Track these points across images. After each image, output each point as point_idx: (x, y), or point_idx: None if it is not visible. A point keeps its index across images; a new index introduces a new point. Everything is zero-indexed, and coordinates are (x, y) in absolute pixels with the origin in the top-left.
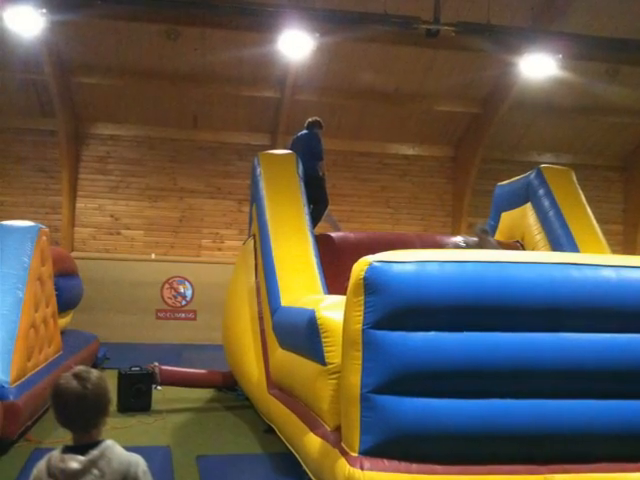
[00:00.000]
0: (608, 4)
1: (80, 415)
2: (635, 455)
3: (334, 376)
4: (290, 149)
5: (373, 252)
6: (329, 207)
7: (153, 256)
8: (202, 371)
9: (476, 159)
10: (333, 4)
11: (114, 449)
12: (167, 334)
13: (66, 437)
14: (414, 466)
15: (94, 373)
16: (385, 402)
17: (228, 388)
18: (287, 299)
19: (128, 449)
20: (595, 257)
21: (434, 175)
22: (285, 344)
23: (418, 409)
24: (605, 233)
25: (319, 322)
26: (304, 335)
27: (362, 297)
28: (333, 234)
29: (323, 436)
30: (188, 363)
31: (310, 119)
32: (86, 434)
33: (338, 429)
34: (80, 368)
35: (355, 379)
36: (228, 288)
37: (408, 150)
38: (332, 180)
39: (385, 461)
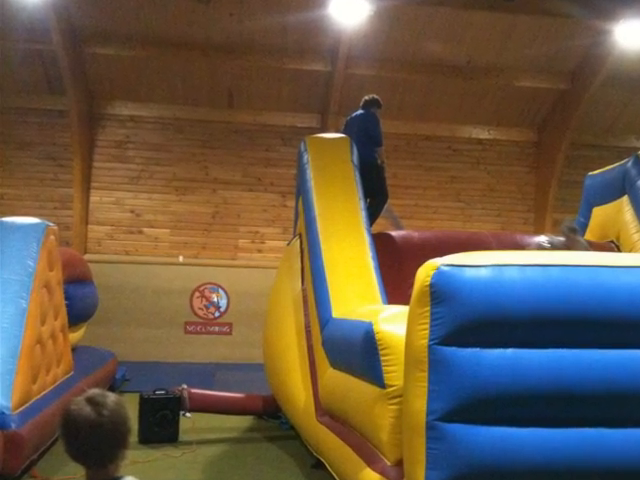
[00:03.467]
0: None
1: (95, 447)
2: None
3: (395, 401)
4: (343, 132)
5: (441, 254)
6: (389, 201)
7: (181, 259)
8: (239, 395)
9: (563, 144)
10: None
11: None
12: (197, 351)
13: (78, 474)
14: None
15: (111, 397)
16: (455, 431)
17: (270, 415)
18: (339, 310)
19: None
20: None
21: (513, 163)
22: (337, 363)
23: (494, 440)
24: None
25: (377, 337)
26: (359, 352)
27: (428, 308)
28: (394, 233)
29: (382, 472)
30: (222, 386)
31: (367, 97)
32: (102, 469)
33: (400, 463)
34: (94, 391)
35: (420, 404)
36: (270, 297)
37: (483, 133)
38: (393, 169)
39: None
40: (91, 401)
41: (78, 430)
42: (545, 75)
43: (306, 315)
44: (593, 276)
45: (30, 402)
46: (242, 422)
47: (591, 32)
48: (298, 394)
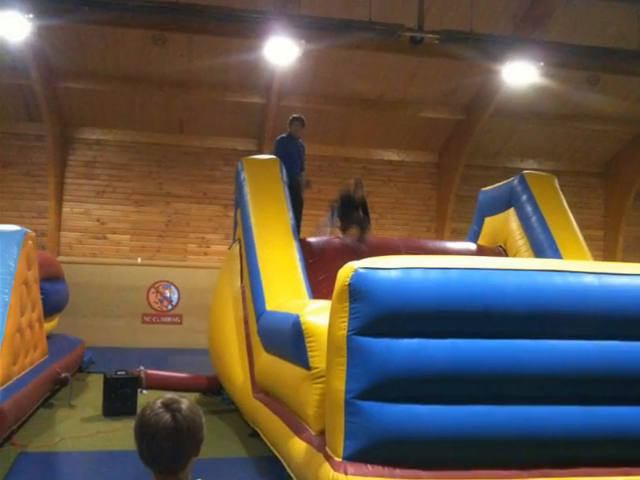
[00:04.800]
0: (589, 13)
1: (169, 453)
2: (616, 459)
3: (319, 381)
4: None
5: (359, 257)
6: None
7: (139, 260)
8: (188, 375)
9: (460, 165)
10: (319, 11)
11: None
12: (153, 338)
13: (50, 442)
14: (397, 471)
15: (185, 403)
16: (369, 408)
17: (213, 392)
18: (272, 303)
19: (113, 453)
20: (578, 264)
21: (418, 180)
22: (270, 348)
23: (402, 415)
24: (586, 238)
25: (304, 327)
26: (289, 339)
27: (347, 304)
28: (318, 238)
29: (308, 440)
30: (174, 367)
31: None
32: (172, 476)
33: (322, 434)
34: (169, 397)
35: (339, 385)
36: (214, 292)
37: (392, 156)
38: (318, 185)
39: (369, 466)
40: (168, 407)
41: (154, 436)
42: (445, 107)
43: (244, 308)
44: (485, 277)
45: (11, 381)
46: (190, 398)
47: (482, 72)
48: (237, 375)
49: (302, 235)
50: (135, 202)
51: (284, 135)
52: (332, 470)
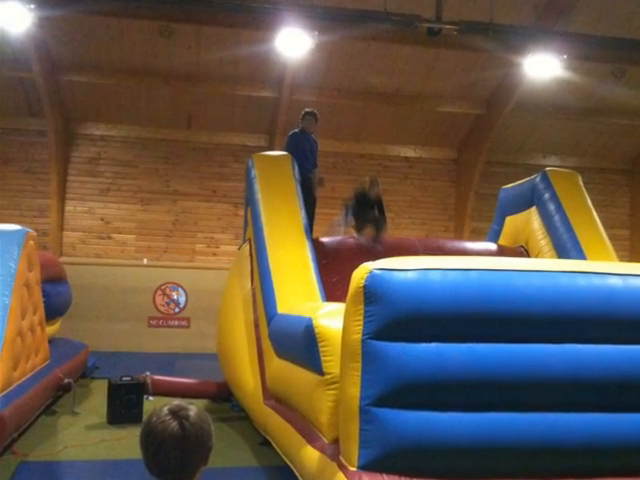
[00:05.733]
0: (614, 3)
1: (177, 462)
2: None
3: (332, 387)
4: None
5: (374, 257)
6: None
7: (145, 261)
8: (195, 381)
9: (479, 162)
10: (332, 1)
11: None
12: (159, 343)
13: (52, 451)
14: None
15: (194, 410)
16: (385, 415)
17: (222, 399)
18: (284, 306)
19: (118, 463)
20: (602, 265)
21: (436, 178)
22: (282, 353)
23: (419, 422)
24: (611, 238)
25: (316, 331)
26: (301, 344)
27: (362, 306)
28: (331, 238)
29: (321, 449)
30: (181, 373)
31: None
32: None
33: (336, 442)
34: (176, 403)
35: (354, 391)
36: (223, 295)
37: (409, 152)
38: (331, 183)
39: (384, 476)
40: (175, 414)
41: (160, 444)
42: (464, 102)
43: (255, 311)
44: (506, 279)
45: (11, 387)
46: (198, 405)
47: (503, 64)
48: (248, 380)
49: (315, 235)
50: (141, 200)
51: (296, 130)
52: None
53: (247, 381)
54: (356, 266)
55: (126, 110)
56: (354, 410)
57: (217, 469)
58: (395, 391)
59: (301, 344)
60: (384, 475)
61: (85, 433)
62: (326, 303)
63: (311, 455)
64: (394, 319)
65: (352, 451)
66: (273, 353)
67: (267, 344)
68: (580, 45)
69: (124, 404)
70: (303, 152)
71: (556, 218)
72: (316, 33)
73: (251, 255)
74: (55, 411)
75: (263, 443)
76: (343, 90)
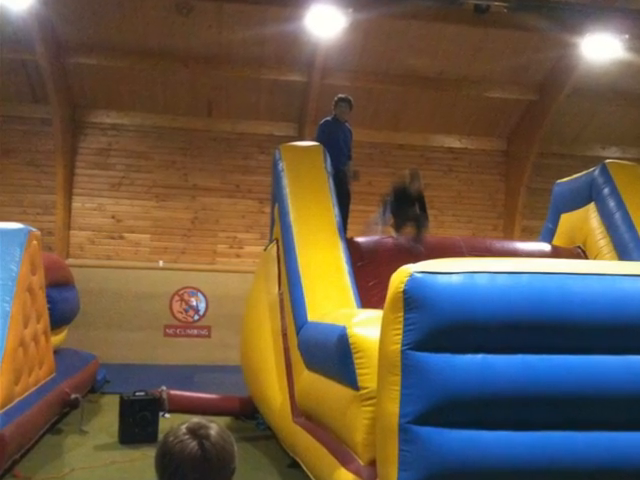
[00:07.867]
0: None
1: None
2: None
3: (369, 403)
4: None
5: (415, 259)
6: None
7: (161, 264)
8: (217, 396)
9: (531, 153)
10: None
11: None
12: (177, 354)
13: (58, 474)
14: None
15: (215, 429)
16: (427, 434)
17: (247, 416)
18: (315, 313)
19: None
20: None
21: (484, 171)
22: (312, 365)
23: (464, 442)
24: None
25: (351, 340)
26: (334, 355)
27: (401, 313)
28: (367, 238)
29: (356, 472)
30: (201, 387)
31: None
32: None
33: (373, 464)
34: (195, 421)
35: (393, 407)
36: (247, 301)
37: (454, 142)
38: (367, 177)
39: None
40: (194, 433)
41: (178, 467)
42: (514, 86)
43: (282, 318)
44: (561, 283)
45: (12, 403)
46: (220, 423)
47: (558, 45)
48: (275, 395)
49: (349, 234)
50: (156, 196)
51: (328, 118)
52: None
53: (274, 396)
54: (395, 269)
55: (140, 96)
56: (392, 429)
57: None
58: (438, 407)
59: (334, 356)
60: None
61: (94, 454)
62: (361, 310)
63: (345, 478)
64: (437, 328)
65: (391, 474)
66: (303, 365)
67: (296, 355)
68: None
69: (137, 422)
70: (336, 142)
71: (617, 215)
72: (350, 10)
73: (278, 257)
74: (61, 430)
75: (292, 465)
76: (380, 74)
